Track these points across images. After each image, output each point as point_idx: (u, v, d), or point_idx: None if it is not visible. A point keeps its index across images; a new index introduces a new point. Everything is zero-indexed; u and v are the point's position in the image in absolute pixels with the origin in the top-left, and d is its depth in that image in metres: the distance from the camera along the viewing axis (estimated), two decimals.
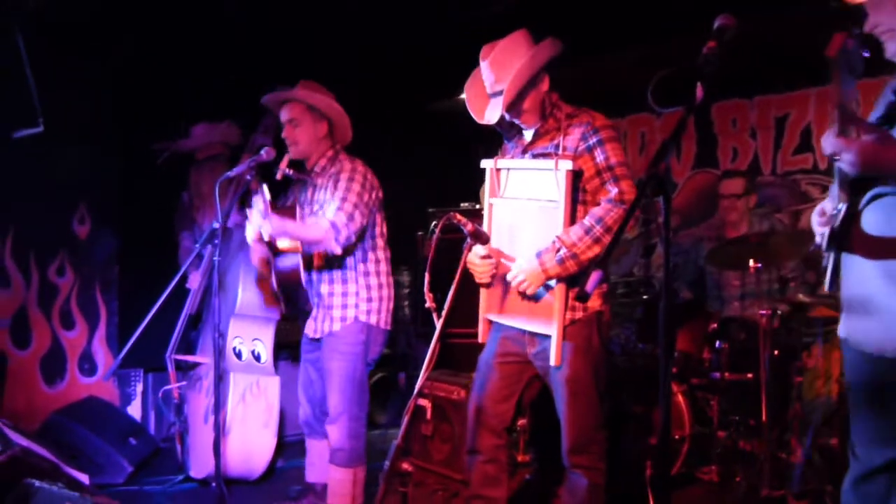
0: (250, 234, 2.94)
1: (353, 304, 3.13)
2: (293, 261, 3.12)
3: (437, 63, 4.54)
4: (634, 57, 4.42)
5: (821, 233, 1.92)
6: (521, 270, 2.48)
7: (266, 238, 2.89)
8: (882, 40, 1.83)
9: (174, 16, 4.06)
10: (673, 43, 3.52)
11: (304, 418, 3.34)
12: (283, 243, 3.06)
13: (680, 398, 3.57)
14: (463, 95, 2.69)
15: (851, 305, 1.89)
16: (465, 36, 2.91)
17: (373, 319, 3.16)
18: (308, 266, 3.17)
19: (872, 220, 1.80)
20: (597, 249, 2.40)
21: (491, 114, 2.59)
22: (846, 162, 1.59)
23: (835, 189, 1.90)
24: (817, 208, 1.95)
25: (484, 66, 2.57)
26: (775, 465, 3.33)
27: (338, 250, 3.01)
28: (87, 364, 4.37)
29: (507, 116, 2.60)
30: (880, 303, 1.79)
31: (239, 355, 3.72)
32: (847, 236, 1.81)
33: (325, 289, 3.16)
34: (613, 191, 2.45)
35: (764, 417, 3.38)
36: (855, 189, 1.80)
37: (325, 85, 3.25)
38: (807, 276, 3.81)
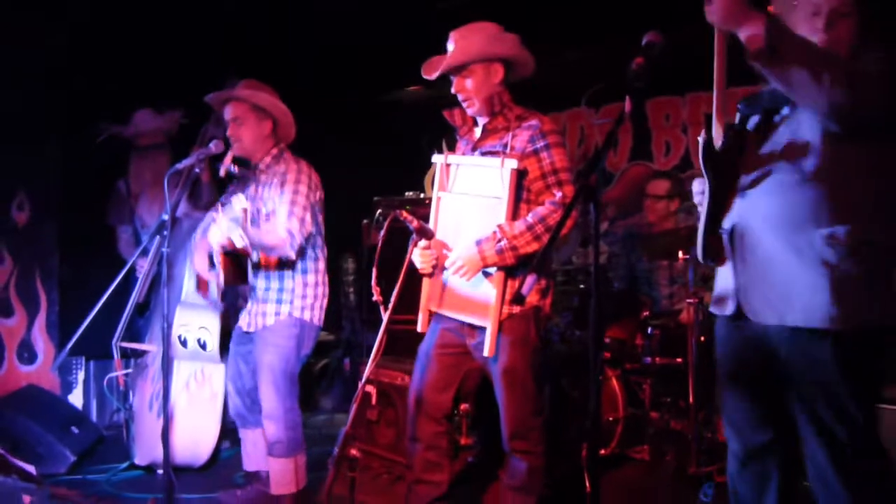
0: (217, 238, 2.90)
1: (289, 300, 3.17)
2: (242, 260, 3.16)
3: (388, 55, 4.60)
4: (574, 55, 4.57)
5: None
6: (459, 257, 2.57)
7: (239, 246, 2.85)
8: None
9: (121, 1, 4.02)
10: (610, 43, 3.66)
11: (235, 409, 3.37)
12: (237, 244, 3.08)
13: (614, 382, 3.74)
14: (411, 88, 2.78)
15: (749, 277, 1.95)
16: (416, 29, 2.97)
17: (306, 315, 3.20)
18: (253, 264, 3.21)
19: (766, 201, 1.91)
20: (535, 246, 2.51)
21: (435, 73, 2.68)
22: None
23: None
24: (698, 180, 2.10)
25: (451, 38, 2.69)
26: (702, 444, 3.54)
27: (293, 255, 3.07)
28: (27, 352, 4.30)
29: (452, 87, 2.69)
30: (780, 272, 1.88)
31: (185, 343, 3.74)
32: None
33: (261, 283, 3.20)
34: (558, 194, 2.56)
35: (691, 399, 3.58)
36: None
37: (275, 73, 3.27)
38: None
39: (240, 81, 3.22)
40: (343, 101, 5.28)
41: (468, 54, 2.63)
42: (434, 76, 2.70)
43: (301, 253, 3.15)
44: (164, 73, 4.38)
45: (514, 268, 2.57)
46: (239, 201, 2.77)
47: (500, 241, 2.52)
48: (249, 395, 3.27)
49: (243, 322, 3.26)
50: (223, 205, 2.89)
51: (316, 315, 3.25)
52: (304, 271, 3.21)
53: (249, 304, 3.24)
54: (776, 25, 1.76)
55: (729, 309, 2.02)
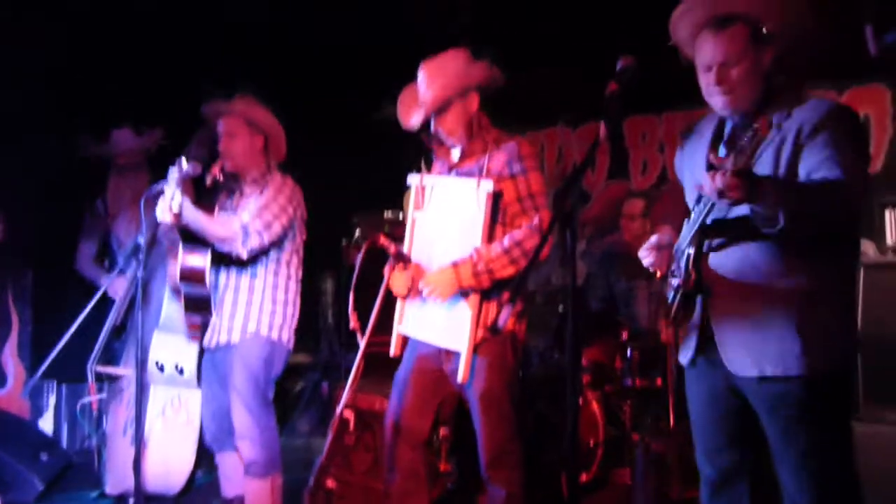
0: (161, 209, 2.78)
1: (257, 316, 3.11)
2: (200, 261, 3.07)
3: (368, 74, 4.60)
4: (554, 75, 4.60)
5: (650, 262, 2.12)
6: (435, 278, 2.56)
7: (175, 210, 2.74)
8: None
9: (100, 16, 3.99)
10: (587, 63, 3.69)
11: (211, 435, 3.31)
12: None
13: (594, 405, 3.72)
14: (392, 107, 2.76)
15: (724, 334, 2.00)
16: (399, 48, 2.97)
17: (274, 335, 3.14)
18: (216, 271, 3.14)
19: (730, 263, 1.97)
20: (511, 270, 2.50)
21: (416, 118, 2.67)
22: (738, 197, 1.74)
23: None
24: (652, 240, 2.13)
25: (420, 73, 2.66)
26: (684, 467, 3.51)
27: (243, 255, 2.98)
28: None
29: (432, 126, 2.67)
30: (750, 324, 1.95)
31: (162, 368, 3.67)
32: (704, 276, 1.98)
33: (229, 297, 3.14)
34: (535, 219, 2.56)
35: (672, 422, 3.57)
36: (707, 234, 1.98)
37: (258, 89, 3.26)
38: None
39: (235, 96, 3.20)
40: (323, 118, 5.27)
41: (446, 91, 2.60)
42: (417, 124, 2.67)
43: (264, 263, 3.09)
44: (147, 88, 4.34)
45: (489, 291, 2.56)
46: (178, 166, 2.69)
47: (476, 264, 2.51)
48: (227, 418, 3.19)
49: (207, 338, 3.18)
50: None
51: (285, 335, 3.19)
52: (275, 287, 3.15)
53: (214, 319, 3.16)
54: (783, 197, 1.78)
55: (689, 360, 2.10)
